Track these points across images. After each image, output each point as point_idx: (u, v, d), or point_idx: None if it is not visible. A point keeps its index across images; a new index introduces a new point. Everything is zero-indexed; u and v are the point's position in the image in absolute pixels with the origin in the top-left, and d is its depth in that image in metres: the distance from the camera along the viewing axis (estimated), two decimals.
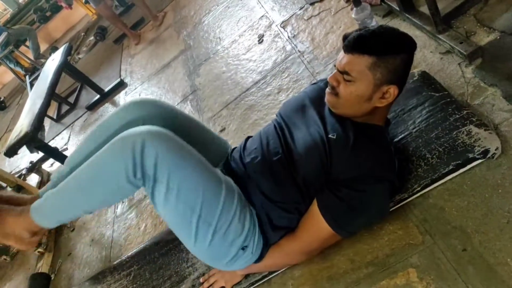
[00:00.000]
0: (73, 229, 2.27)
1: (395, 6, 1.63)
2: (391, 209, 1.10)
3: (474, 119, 1.09)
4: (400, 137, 1.21)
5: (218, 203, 0.99)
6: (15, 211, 1.00)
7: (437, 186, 1.09)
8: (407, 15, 1.55)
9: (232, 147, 1.33)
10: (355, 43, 0.95)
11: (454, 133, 1.10)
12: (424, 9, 1.39)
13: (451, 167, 1.06)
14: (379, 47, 0.94)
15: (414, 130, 1.19)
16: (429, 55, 1.44)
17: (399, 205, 1.11)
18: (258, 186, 1.09)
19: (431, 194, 1.09)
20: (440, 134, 1.12)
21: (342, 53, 0.99)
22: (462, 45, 1.30)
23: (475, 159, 1.04)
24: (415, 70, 1.36)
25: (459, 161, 1.05)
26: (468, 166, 1.06)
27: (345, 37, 0.99)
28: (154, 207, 1.03)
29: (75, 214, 1.02)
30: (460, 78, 1.30)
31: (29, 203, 1.03)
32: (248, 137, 1.28)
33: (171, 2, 4.02)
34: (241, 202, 1.05)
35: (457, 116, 1.12)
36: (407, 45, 0.97)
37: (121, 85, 3.43)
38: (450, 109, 1.15)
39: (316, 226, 1.03)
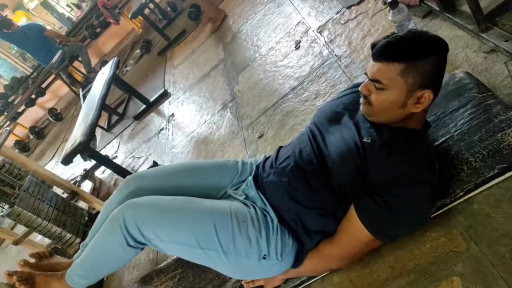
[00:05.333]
0: None
1: (434, 6, 1.58)
2: (432, 215, 1.07)
3: None
4: (441, 140, 1.17)
5: (211, 230, 1.08)
6: (57, 276, 1.28)
7: (482, 191, 1.05)
8: (447, 14, 1.50)
9: (267, 156, 1.35)
10: (384, 51, 0.94)
11: (499, 135, 1.05)
12: (466, 7, 1.35)
13: (496, 170, 1.01)
14: (408, 53, 0.93)
15: (456, 133, 1.15)
16: (472, 55, 1.39)
17: (441, 211, 1.08)
18: (291, 193, 1.11)
19: (475, 200, 1.05)
20: (484, 137, 1.07)
21: (371, 62, 0.99)
22: (508, 43, 1.24)
23: None
24: (457, 71, 1.31)
25: (505, 165, 1.00)
26: None
27: (373, 45, 0.99)
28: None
29: (97, 278, 1.27)
30: (507, 77, 1.23)
31: (67, 267, 1.29)
32: (280, 147, 1.29)
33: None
34: (238, 217, 1.11)
35: (503, 117, 1.07)
36: (437, 48, 0.95)
37: (165, 95, 3.60)
38: (494, 110, 1.10)
39: (354, 230, 1.03)
